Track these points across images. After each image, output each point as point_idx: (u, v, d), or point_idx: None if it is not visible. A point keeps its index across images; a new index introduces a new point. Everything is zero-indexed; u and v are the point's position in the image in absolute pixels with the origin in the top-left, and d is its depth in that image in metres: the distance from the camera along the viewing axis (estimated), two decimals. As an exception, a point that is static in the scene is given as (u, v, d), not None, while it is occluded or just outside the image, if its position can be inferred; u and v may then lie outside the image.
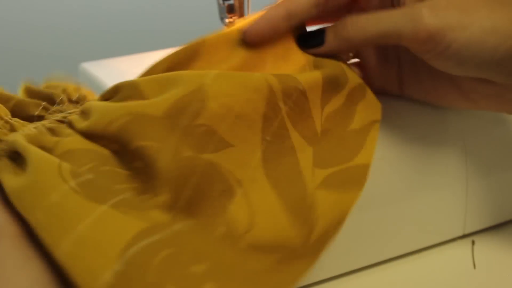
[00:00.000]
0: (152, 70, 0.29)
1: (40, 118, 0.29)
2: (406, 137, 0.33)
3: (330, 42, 0.30)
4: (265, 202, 0.26)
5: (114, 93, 0.28)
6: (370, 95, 0.31)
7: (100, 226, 0.23)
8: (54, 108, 0.29)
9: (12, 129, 0.27)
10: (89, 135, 0.26)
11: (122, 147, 0.26)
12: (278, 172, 0.27)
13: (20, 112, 0.29)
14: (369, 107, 0.30)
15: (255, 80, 0.27)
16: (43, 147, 0.26)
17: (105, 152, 0.26)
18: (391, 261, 0.35)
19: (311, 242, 0.26)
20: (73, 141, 0.26)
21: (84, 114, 0.27)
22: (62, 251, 0.22)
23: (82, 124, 0.26)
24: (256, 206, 0.26)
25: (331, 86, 0.29)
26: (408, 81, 0.34)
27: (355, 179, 0.28)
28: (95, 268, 0.22)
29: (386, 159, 0.32)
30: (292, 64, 0.31)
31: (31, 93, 0.30)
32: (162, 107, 0.25)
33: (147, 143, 0.25)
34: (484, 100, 0.32)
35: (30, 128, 0.27)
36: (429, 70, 0.32)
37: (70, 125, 0.27)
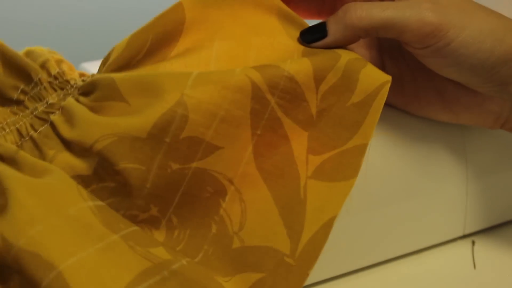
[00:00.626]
0: (135, 39, 0.28)
1: (18, 102, 0.28)
2: (407, 137, 0.33)
3: (334, 32, 0.29)
4: (257, 196, 0.26)
5: (92, 89, 0.27)
6: (371, 66, 0.28)
7: (109, 255, 0.24)
8: (33, 92, 0.28)
9: None
10: (75, 145, 0.26)
11: (106, 163, 0.26)
12: (271, 164, 0.27)
13: None
14: (374, 72, 0.28)
15: (236, 79, 0.26)
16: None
17: (89, 170, 0.26)
18: (392, 261, 0.35)
19: (300, 250, 0.26)
20: (59, 166, 0.26)
21: (67, 116, 0.27)
22: (67, 266, 0.23)
23: (67, 133, 0.26)
24: (248, 202, 0.26)
25: (323, 63, 0.28)
26: (390, 88, 0.33)
27: (349, 165, 0.27)
28: None
29: (386, 160, 0.32)
30: (279, 51, 0.29)
31: (6, 59, 0.29)
32: (146, 128, 0.25)
33: (132, 165, 0.25)
34: (465, 111, 0.32)
35: (14, 133, 0.27)
36: (413, 78, 0.33)
37: (54, 128, 0.27)
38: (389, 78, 0.28)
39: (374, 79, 0.28)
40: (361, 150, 0.27)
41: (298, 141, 0.27)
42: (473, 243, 0.36)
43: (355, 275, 0.34)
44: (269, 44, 0.29)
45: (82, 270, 0.23)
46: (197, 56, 0.28)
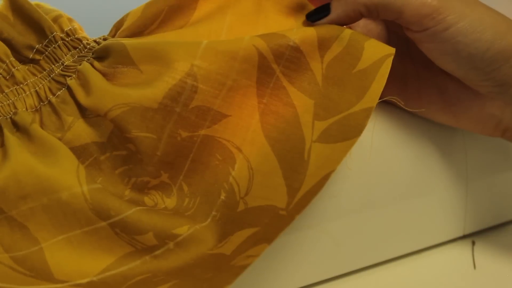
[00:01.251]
0: (151, 9, 0.29)
1: (34, 61, 0.29)
2: (406, 138, 0.33)
3: (335, 8, 0.30)
4: (264, 163, 0.27)
5: (106, 54, 0.28)
6: (375, 40, 0.29)
7: (93, 238, 0.26)
8: (48, 51, 0.29)
9: (14, 80, 0.28)
10: (90, 112, 0.27)
11: (119, 131, 0.27)
12: (278, 132, 0.28)
13: (11, 49, 0.29)
14: (378, 44, 0.29)
15: (244, 48, 0.27)
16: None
17: (103, 137, 0.27)
18: (392, 261, 0.35)
19: (294, 203, 0.27)
20: (75, 135, 0.27)
21: (83, 81, 0.27)
22: (50, 244, 0.25)
23: (83, 99, 0.27)
24: (256, 169, 0.27)
25: (328, 34, 0.29)
26: (391, 83, 0.34)
27: (354, 126, 0.28)
28: (78, 273, 0.25)
29: (386, 160, 0.32)
30: (281, 27, 0.30)
31: (20, 12, 0.29)
32: (157, 99, 0.26)
33: (143, 134, 0.26)
34: (465, 113, 0.32)
35: (34, 96, 0.28)
36: (417, 74, 0.33)
37: (70, 92, 0.27)
38: (393, 50, 0.29)
39: (379, 49, 0.29)
40: (367, 112, 0.28)
41: (304, 108, 0.28)
42: (473, 243, 0.36)
43: (355, 275, 0.34)
44: (277, 27, 0.30)
45: (63, 250, 0.25)
46: (208, 27, 0.29)
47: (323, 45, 0.28)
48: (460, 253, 0.36)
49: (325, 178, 0.27)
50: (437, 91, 0.32)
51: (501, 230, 0.38)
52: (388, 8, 0.28)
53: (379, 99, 0.28)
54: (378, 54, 0.28)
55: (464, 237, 0.37)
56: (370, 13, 0.29)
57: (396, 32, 0.33)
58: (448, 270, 0.34)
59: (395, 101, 0.33)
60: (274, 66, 0.28)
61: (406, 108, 0.33)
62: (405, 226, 0.34)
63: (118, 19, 0.29)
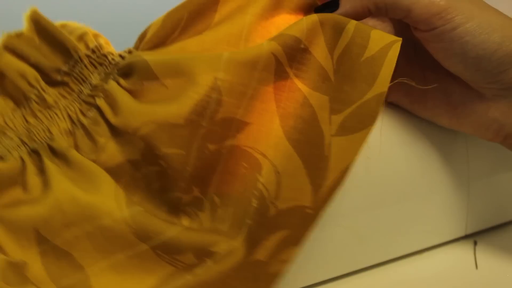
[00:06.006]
0: (170, 18, 0.29)
1: (64, 84, 0.29)
2: (408, 138, 0.33)
3: (344, 3, 0.30)
4: (289, 165, 0.28)
5: (130, 71, 0.28)
6: (380, 31, 0.29)
7: (135, 261, 0.26)
8: (75, 72, 0.29)
9: (46, 104, 0.28)
10: (120, 132, 0.27)
11: (149, 148, 0.27)
12: (299, 133, 0.28)
13: (40, 72, 0.29)
14: (384, 34, 0.29)
15: (264, 57, 0.27)
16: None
17: (137, 155, 0.27)
18: (393, 261, 0.35)
19: (320, 197, 0.27)
20: (110, 156, 0.27)
21: (111, 101, 0.28)
22: (94, 269, 0.26)
23: (113, 118, 0.27)
24: (282, 172, 0.27)
25: (333, 28, 0.29)
26: (397, 86, 0.34)
27: (368, 114, 0.28)
28: None
29: (387, 160, 0.32)
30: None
31: (46, 34, 0.29)
32: (183, 115, 0.26)
33: (172, 150, 0.26)
34: (468, 118, 0.31)
35: (67, 120, 0.28)
36: (424, 78, 0.32)
37: (100, 112, 0.28)
38: (399, 38, 0.29)
39: (386, 37, 0.29)
40: (379, 98, 0.28)
41: (320, 106, 0.28)
42: (475, 243, 0.36)
43: (356, 276, 0.34)
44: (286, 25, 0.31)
45: (108, 276, 0.26)
46: (228, 31, 0.29)
47: (330, 41, 0.29)
48: (462, 253, 0.36)
49: (345, 172, 0.27)
50: (442, 95, 0.32)
51: (503, 230, 0.38)
52: (396, 6, 0.28)
53: (389, 84, 0.28)
54: (384, 41, 0.29)
55: (466, 237, 0.37)
56: (378, 10, 0.29)
57: (403, 34, 0.33)
58: (450, 270, 0.34)
59: (405, 91, 0.32)
60: (288, 69, 0.28)
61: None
62: (407, 226, 0.34)
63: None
